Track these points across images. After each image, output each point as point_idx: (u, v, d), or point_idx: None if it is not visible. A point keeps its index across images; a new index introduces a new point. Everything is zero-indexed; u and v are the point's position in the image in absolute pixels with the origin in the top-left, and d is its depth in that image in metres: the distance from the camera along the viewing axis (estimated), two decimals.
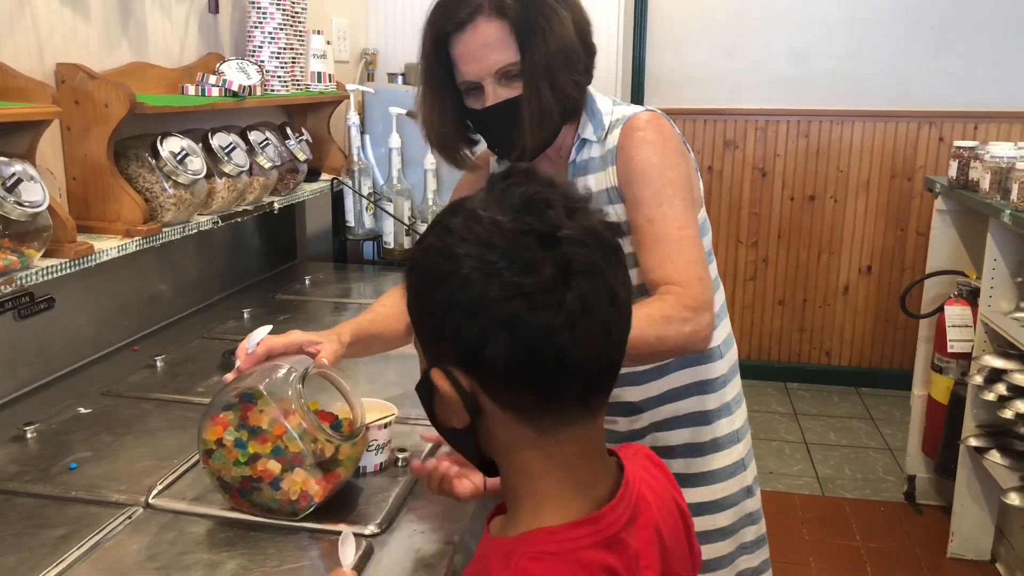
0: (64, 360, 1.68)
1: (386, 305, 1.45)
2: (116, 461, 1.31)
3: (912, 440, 3.31)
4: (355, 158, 2.53)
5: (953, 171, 2.97)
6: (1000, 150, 2.73)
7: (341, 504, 1.19)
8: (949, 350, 2.99)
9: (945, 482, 3.19)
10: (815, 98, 4.16)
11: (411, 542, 1.13)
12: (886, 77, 4.10)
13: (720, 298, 1.50)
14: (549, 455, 0.74)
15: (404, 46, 2.98)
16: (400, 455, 1.32)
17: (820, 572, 2.85)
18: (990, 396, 2.63)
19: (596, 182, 1.39)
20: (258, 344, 1.23)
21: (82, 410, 1.50)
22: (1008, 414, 2.51)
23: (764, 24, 4.11)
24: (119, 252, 1.57)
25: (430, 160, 2.49)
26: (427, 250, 0.75)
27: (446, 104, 1.36)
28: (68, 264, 1.46)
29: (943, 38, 4.02)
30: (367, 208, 2.56)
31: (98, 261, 1.52)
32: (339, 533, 1.13)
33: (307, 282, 2.33)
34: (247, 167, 1.93)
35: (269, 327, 1.28)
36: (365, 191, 2.54)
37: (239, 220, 1.97)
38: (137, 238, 1.62)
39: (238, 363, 1.22)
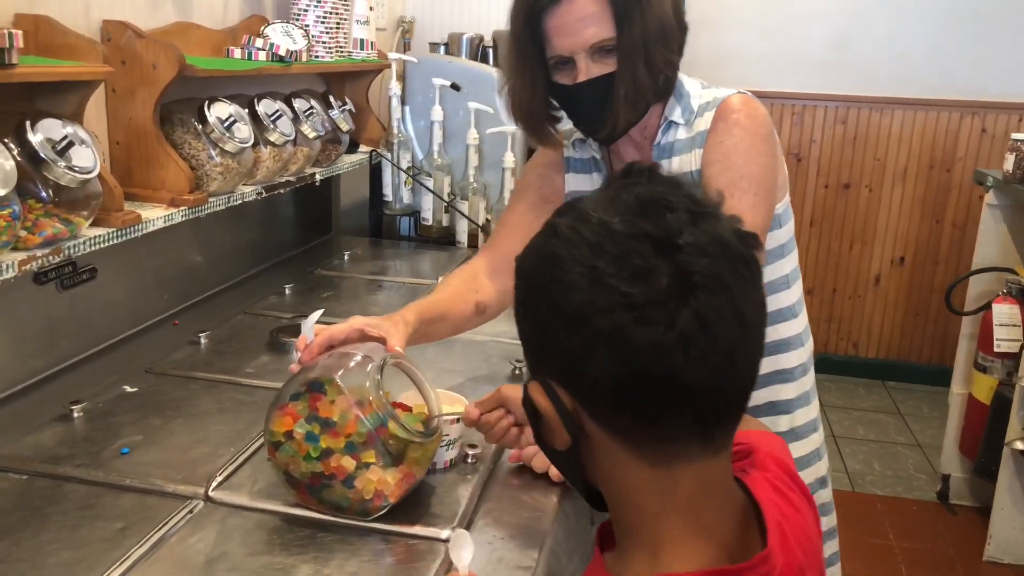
0: (104, 334, 1.60)
1: (452, 284, 1.38)
2: (168, 447, 1.23)
3: (949, 439, 3.24)
4: (395, 130, 2.43)
5: (1009, 165, 2.87)
6: None
7: (412, 504, 1.11)
8: (995, 349, 2.91)
9: (981, 483, 3.13)
10: (854, 84, 4.04)
11: (491, 550, 1.05)
12: (928, 65, 3.99)
13: (799, 289, 1.46)
14: (664, 491, 0.65)
15: (443, 15, 2.87)
16: (471, 451, 1.23)
17: (855, 572, 2.79)
18: None
19: (680, 165, 1.33)
20: (316, 333, 1.15)
21: (128, 388, 1.41)
22: None
23: (804, 6, 3.99)
24: (165, 222, 1.49)
25: (473, 135, 2.40)
26: (531, 253, 0.68)
27: (536, 78, 1.29)
28: (115, 234, 1.37)
29: (987, 27, 3.90)
30: (405, 183, 2.46)
31: (144, 232, 1.43)
32: (414, 537, 1.06)
33: (345, 258, 2.25)
34: (292, 136, 1.84)
35: (319, 312, 1.19)
36: (404, 165, 2.45)
37: (282, 192, 1.87)
38: (183, 208, 1.53)
39: (298, 355, 1.14)
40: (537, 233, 0.69)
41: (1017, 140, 2.86)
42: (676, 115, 1.32)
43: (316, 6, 1.99)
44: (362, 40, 2.22)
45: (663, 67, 1.25)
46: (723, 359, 0.61)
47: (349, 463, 1.05)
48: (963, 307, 3.17)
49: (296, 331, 1.62)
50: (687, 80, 1.35)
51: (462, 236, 2.45)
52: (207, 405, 1.37)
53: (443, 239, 2.48)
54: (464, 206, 2.41)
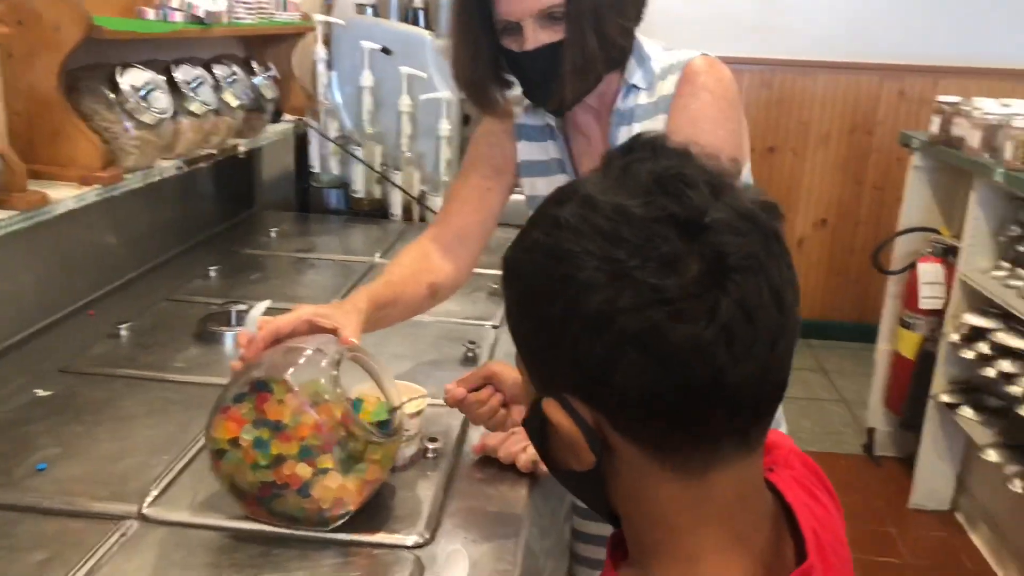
0: (9, 329, 1.44)
1: (403, 265, 1.29)
2: (93, 459, 1.10)
3: (874, 394, 3.31)
4: (321, 98, 2.28)
5: (935, 127, 2.91)
6: (990, 107, 2.67)
7: (372, 509, 1.01)
8: (920, 307, 2.96)
9: (903, 435, 3.22)
10: (779, 48, 4.05)
11: (466, 553, 0.97)
12: (850, 29, 4.02)
13: None
14: (697, 502, 0.58)
15: None
16: (431, 446, 1.15)
17: None
18: (970, 354, 2.61)
19: (642, 131, 1.25)
20: (259, 326, 1.03)
21: (40, 392, 1.27)
22: (991, 372, 2.49)
23: None
24: (78, 203, 1.34)
25: (405, 102, 2.27)
26: (531, 250, 0.58)
27: (479, 43, 1.22)
28: (19, 218, 1.22)
29: None
30: (334, 153, 2.33)
31: (54, 214, 1.28)
32: (379, 546, 0.97)
33: (272, 235, 2.11)
34: (214, 105, 1.69)
35: (266, 303, 1.08)
36: (332, 134, 2.31)
37: (203, 165, 1.73)
38: (97, 186, 1.38)
39: (241, 351, 1.03)
40: (529, 226, 0.60)
41: (943, 102, 2.89)
42: (637, 79, 1.26)
43: None
44: (285, 1, 2.06)
45: (617, 36, 1.17)
46: (765, 349, 0.54)
47: (304, 470, 0.95)
48: (889, 267, 3.22)
49: (228, 319, 1.51)
50: (647, 42, 1.28)
51: (396, 209, 2.33)
52: (133, 407, 1.24)
53: (376, 212, 2.36)
54: (397, 177, 2.29)
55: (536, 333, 0.59)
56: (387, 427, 1.02)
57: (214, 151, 1.77)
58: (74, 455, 1.10)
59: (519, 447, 1.13)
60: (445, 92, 2.27)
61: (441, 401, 1.27)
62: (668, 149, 0.59)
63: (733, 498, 0.58)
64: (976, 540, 2.83)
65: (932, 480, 2.97)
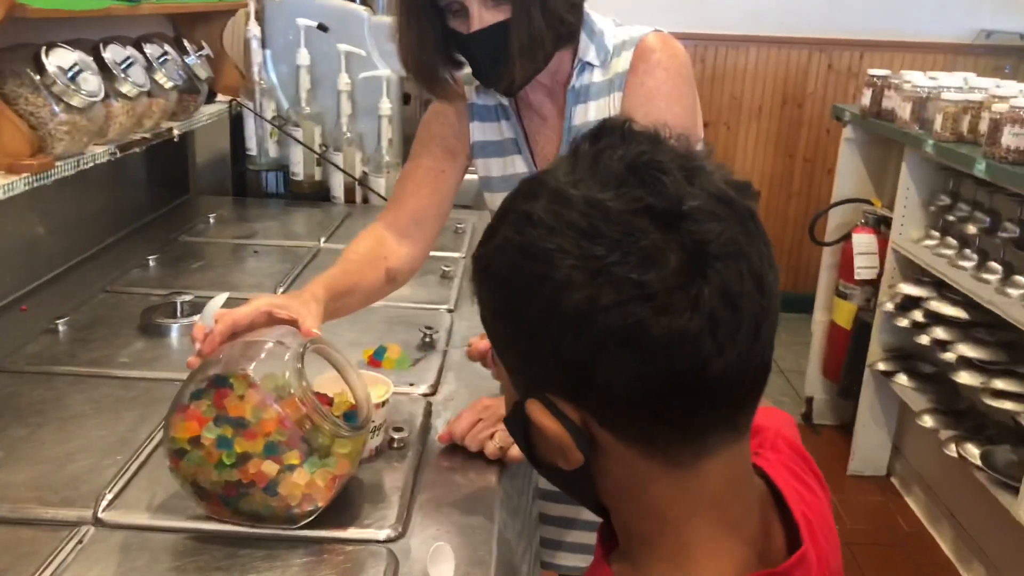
0: None
1: (359, 252, 1.25)
2: (40, 462, 1.04)
3: (812, 363, 3.39)
4: (256, 77, 2.20)
5: (866, 100, 2.97)
6: (919, 80, 2.73)
7: (340, 504, 0.98)
8: (856, 277, 3.04)
9: (840, 403, 3.31)
10: (711, 23, 4.08)
11: (451, 548, 0.95)
12: (780, 3, 4.07)
13: None
14: (688, 492, 0.57)
15: None
16: (396, 436, 1.12)
17: None
18: (904, 322, 2.69)
19: (597, 109, 1.26)
20: (216, 320, 0.99)
21: None
22: (925, 340, 2.56)
23: None
24: (4, 193, 1.26)
25: (344, 80, 2.21)
26: (503, 249, 0.56)
27: (425, 26, 1.19)
28: None
29: None
30: (271, 134, 2.25)
31: None
32: (350, 542, 0.94)
33: (211, 221, 2.03)
34: (146, 87, 1.61)
35: (224, 295, 1.04)
36: (269, 115, 2.23)
37: (138, 151, 1.65)
38: (25, 175, 1.30)
39: (198, 346, 0.98)
40: (497, 223, 0.58)
41: (874, 76, 2.95)
42: (591, 56, 1.24)
43: None
44: None
45: (564, 12, 1.15)
46: (749, 335, 0.53)
47: (271, 468, 0.91)
48: (824, 238, 3.29)
49: (173, 310, 1.45)
50: (598, 18, 1.27)
51: (337, 191, 2.28)
52: (79, 406, 1.18)
53: (316, 195, 2.30)
54: (338, 158, 2.24)
55: (515, 334, 0.57)
56: (353, 419, 0.99)
57: (148, 135, 1.69)
58: (19, 459, 1.04)
59: (486, 434, 1.11)
60: (385, 70, 2.22)
61: (403, 389, 1.26)
62: (637, 134, 0.57)
63: (723, 485, 0.58)
64: (911, 503, 2.93)
65: (869, 447, 3.06)
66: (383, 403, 1.08)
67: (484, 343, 1.08)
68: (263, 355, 0.95)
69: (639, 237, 0.51)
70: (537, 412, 0.57)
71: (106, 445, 1.08)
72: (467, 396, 1.26)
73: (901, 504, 2.95)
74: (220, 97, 2.15)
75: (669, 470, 0.56)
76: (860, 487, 3.02)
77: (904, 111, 2.72)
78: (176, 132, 1.81)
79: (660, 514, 0.58)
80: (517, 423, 0.60)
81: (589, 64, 1.24)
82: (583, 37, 1.24)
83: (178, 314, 1.43)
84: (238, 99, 2.17)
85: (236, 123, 2.26)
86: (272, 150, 2.28)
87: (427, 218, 1.33)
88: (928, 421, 2.61)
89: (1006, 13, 4.00)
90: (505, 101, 1.30)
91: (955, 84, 2.67)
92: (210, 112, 2.02)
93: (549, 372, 0.55)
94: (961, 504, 2.65)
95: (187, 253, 1.83)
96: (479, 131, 1.34)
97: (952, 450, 2.42)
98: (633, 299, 0.50)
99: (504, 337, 0.59)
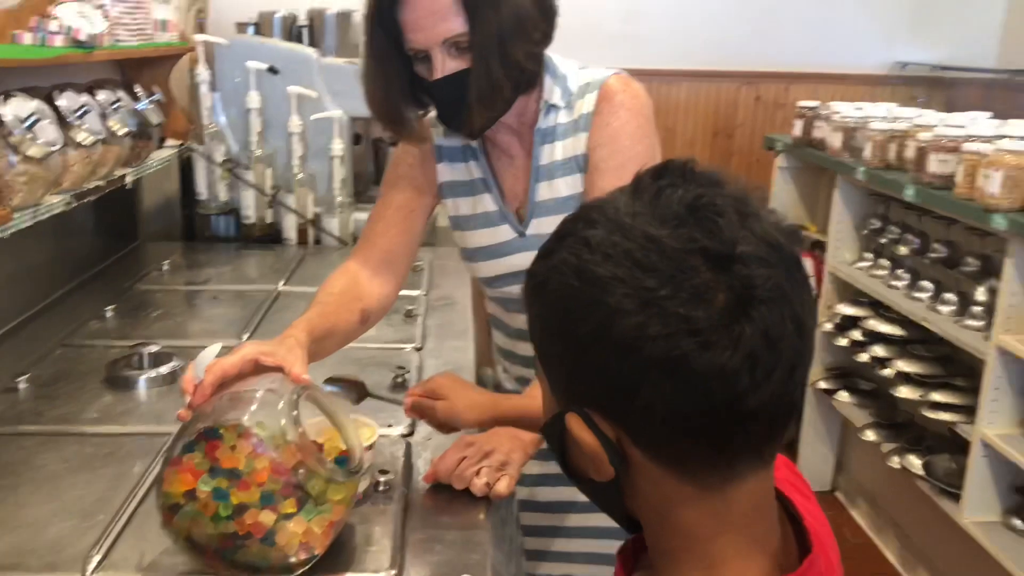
0: None
1: (333, 293, 1.26)
2: (18, 527, 1.02)
3: None
4: (206, 121, 2.19)
5: (798, 130, 3.09)
6: (846, 110, 2.86)
7: (332, 551, 0.98)
8: None
9: None
10: (644, 57, 4.19)
11: None
12: (708, 38, 4.21)
13: None
14: (716, 514, 0.60)
15: None
16: (382, 478, 1.12)
17: None
18: (843, 341, 2.79)
19: (563, 150, 1.30)
20: (206, 370, 0.98)
21: None
22: (864, 357, 2.67)
23: None
24: None
25: (295, 122, 2.22)
26: (559, 269, 0.59)
27: (391, 72, 1.22)
28: None
29: (759, 2, 4.18)
30: (221, 178, 2.24)
31: None
32: None
33: (164, 268, 2.01)
34: (102, 135, 1.60)
35: (218, 345, 1.03)
36: (219, 158, 2.22)
37: (93, 199, 1.63)
38: None
39: (187, 398, 0.98)
40: (555, 243, 0.61)
41: (804, 107, 3.08)
42: (556, 98, 1.29)
43: None
44: (164, 21, 1.97)
45: (523, 61, 1.19)
46: (785, 374, 0.56)
47: (268, 517, 0.91)
48: None
49: (139, 362, 1.42)
50: (561, 61, 1.31)
51: (290, 233, 2.27)
52: (52, 466, 1.15)
53: (268, 237, 2.29)
54: (290, 200, 2.23)
55: (562, 350, 0.60)
56: (344, 464, 1.00)
57: (102, 183, 1.67)
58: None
59: (472, 471, 1.13)
60: (336, 111, 2.23)
61: (381, 431, 1.26)
62: (698, 174, 0.60)
63: (750, 508, 0.61)
64: (856, 515, 3.03)
65: (813, 463, 3.15)
66: (370, 446, 1.09)
67: (416, 398, 1.12)
68: (255, 404, 0.95)
69: (691, 275, 0.54)
70: (575, 424, 0.59)
71: (86, 505, 1.06)
72: (445, 435, 1.27)
73: (846, 517, 3.03)
74: (169, 142, 2.13)
75: (698, 492, 0.59)
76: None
77: (835, 140, 2.84)
78: (129, 179, 1.79)
79: (689, 531, 0.61)
80: (554, 431, 0.63)
81: (554, 106, 1.28)
82: (547, 80, 1.28)
83: (144, 365, 1.41)
84: (188, 143, 2.15)
85: (185, 167, 2.24)
86: (223, 193, 2.26)
87: (398, 257, 1.35)
88: (870, 435, 2.70)
89: (919, 46, 4.22)
90: (473, 142, 1.33)
91: (880, 114, 2.81)
92: (161, 157, 2.00)
93: (592, 389, 0.58)
94: (905, 514, 2.75)
95: (144, 302, 1.80)
96: (447, 172, 1.36)
97: (895, 462, 2.51)
98: (679, 332, 0.53)
99: (551, 351, 0.62)
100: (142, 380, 1.39)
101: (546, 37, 1.23)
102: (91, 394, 1.36)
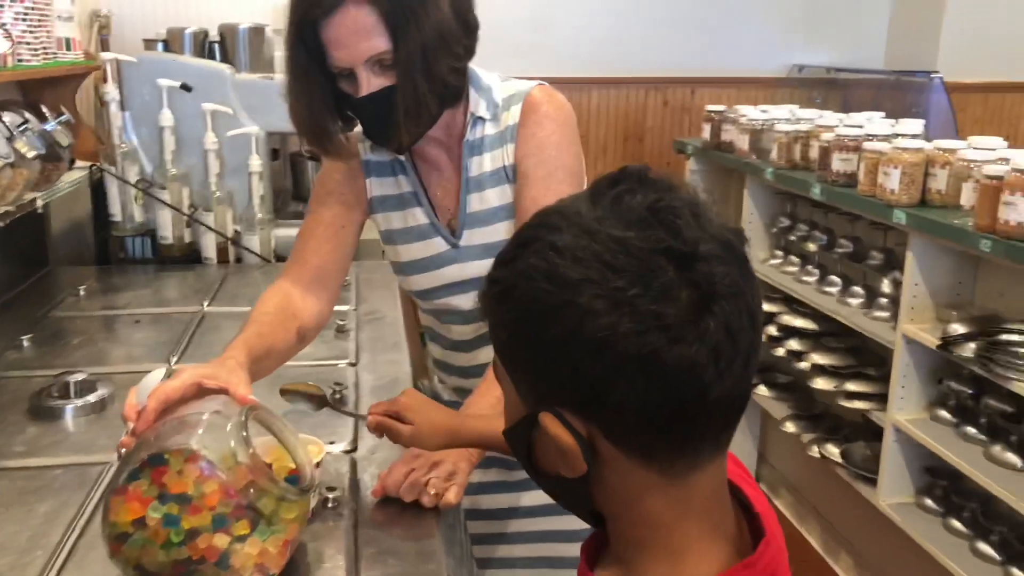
0: None
1: (268, 312, 1.25)
2: None
3: None
4: (117, 141, 2.13)
5: (707, 133, 3.19)
6: (752, 113, 2.97)
7: (287, 570, 0.97)
8: None
9: None
10: (553, 67, 4.26)
11: None
12: (616, 45, 4.31)
13: None
14: (680, 501, 0.64)
15: (147, 7, 2.57)
16: (330, 495, 1.12)
17: None
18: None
19: (492, 161, 1.32)
20: (149, 396, 0.97)
21: None
22: (781, 352, 2.77)
23: None
24: None
25: (211, 139, 2.17)
26: (528, 274, 0.61)
27: (315, 90, 1.22)
28: None
29: (663, 10, 4.31)
30: (136, 198, 2.18)
31: None
32: None
33: (81, 293, 1.94)
34: (10, 158, 1.54)
35: (161, 371, 1.01)
36: (132, 178, 2.16)
37: (2, 224, 1.57)
38: None
39: (131, 426, 0.95)
40: (517, 248, 0.62)
41: (712, 111, 3.18)
42: (482, 110, 1.31)
43: (14, 1, 1.67)
44: (68, 39, 1.91)
45: (447, 76, 1.20)
46: (742, 365, 0.60)
47: (222, 540, 0.90)
48: None
49: (65, 391, 1.38)
50: (485, 74, 1.33)
51: (209, 252, 2.22)
52: None
53: (187, 258, 2.23)
54: (209, 218, 2.19)
55: (533, 353, 0.61)
56: (295, 483, 0.99)
57: (11, 208, 1.61)
58: None
59: (421, 482, 1.13)
60: (252, 127, 2.20)
61: (328, 449, 1.25)
62: (653, 180, 0.63)
63: (710, 494, 0.65)
64: (780, 505, 3.14)
65: (737, 455, 3.16)
66: (318, 464, 1.08)
67: (380, 419, 1.11)
68: (201, 428, 0.94)
69: (658, 274, 0.57)
70: (551, 423, 0.61)
71: (23, 542, 1.02)
72: (388, 448, 1.27)
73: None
74: (79, 163, 2.06)
75: (664, 480, 0.62)
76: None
77: (742, 142, 2.95)
78: (40, 203, 1.73)
79: (654, 519, 0.64)
80: (521, 434, 0.65)
81: (481, 118, 1.31)
82: (472, 93, 1.30)
83: (72, 394, 1.36)
84: (99, 164, 2.09)
85: (97, 189, 2.17)
86: (138, 214, 2.20)
87: (330, 274, 1.35)
88: (790, 427, 2.81)
89: (815, 49, 4.42)
90: (401, 156, 1.34)
91: (784, 116, 2.93)
92: (72, 179, 1.94)
93: (565, 389, 0.60)
94: (826, 501, 2.86)
95: (62, 329, 1.74)
96: (377, 186, 1.36)
97: (814, 451, 2.62)
98: (651, 329, 0.56)
99: (519, 355, 0.63)
100: (69, 409, 1.34)
101: (469, 52, 1.25)
102: (15, 427, 1.30)
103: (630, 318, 0.56)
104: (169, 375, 0.99)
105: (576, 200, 0.63)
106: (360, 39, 1.14)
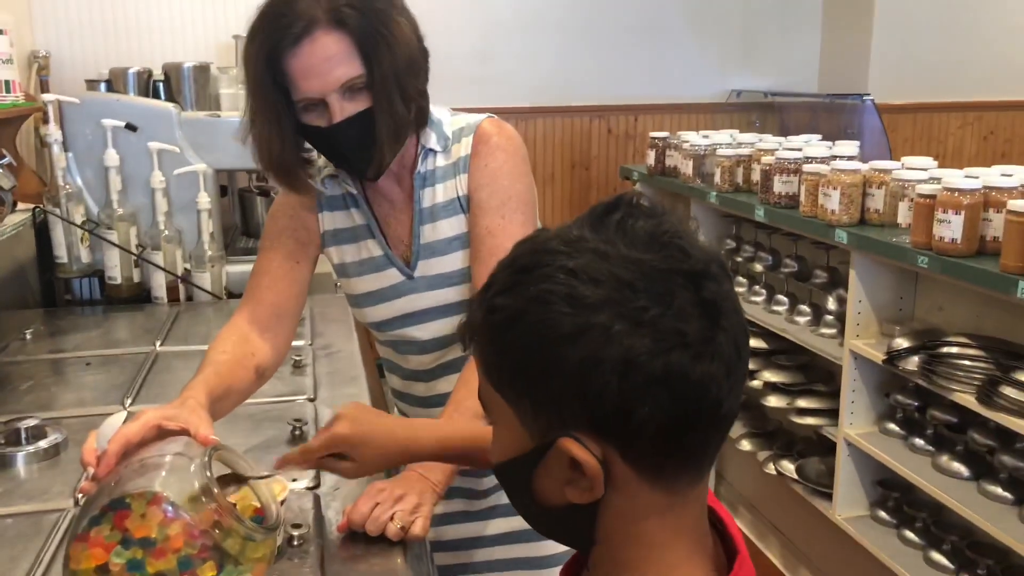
0: None
1: (225, 352, 1.24)
2: None
3: None
4: (61, 182, 2.09)
5: (651, 159, 3.26)
6: (695, 139, 3.04)
7: None
8: None
9: None
10: (498, 96, 4.31)
11: None
12: (558, 75, 4.38)
13: None
14: (676, 517, 0.65)
15: (87, 47, 2.55)
16: (295, 532, 1.11)
17: None
18: None
19: (444, 192, 1.34)
20: (109, 441, 0.95)
21: None
22: None
23: (449, 22, 4.17)
24: None
25: (158, 178, 2.15)
26: (543, 299, 0.61)
27: (284, 125, 1.22)
28: None
29: (604, 41, 4.40)
30: (82, 240, 2.14)
31: None
32: None
33: (27, 337, 1.89)
34: None
35: (122, 414, 1.00)
36: (78, 219, 2.12)
37: None
38: None
39: (90, 471, 0.94)
40: (519, 275, 0.63)
41: (656, 138, 3.25)
42: (432, 143, 1.33)
43: None
44: (7, 81, 1.88)
45: (416, 97, 1.24)
46: (743, 376, 0.64)
47: None
48: None
49: (16, 437, 1.35)
50: (434, 108, 1.36)
51: (159, 291, 2.19)
52: None
53: (136, 298, 2.20)
54: (158, 257, 2.16)
55: (547, 379, 0.61)
56: (260, 522, 0.98)
57: None
58: None
59: (386, 516, 1.13)
60: (200, 164, 2.18)
61: (291, 486, 1.24)
62: (644, 207, 0.65)
63: (699, 512, 0.67)
64: (739, 523, 3.17)
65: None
66: (282, 501, 1.07)
67: (318, 462, 1.09)
68: (163, 470, 0.93)
69: (677, 293, 0.59)
70: (574, 448, 0.61)
71: None
72: (353, 483, 1.26)
73: None
74: (20, 206, 2.02)
75: (666, 497, 0.64)
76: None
77: (686, 168, 3.01)
78: None
79: (649, 539, 0.65)
80: (524, 464, 0.65)
81: (432, 150, 1.33)
82: (425, 126, 1.32)
83: (23, 441, 1.32)
84: (41, 206, 2.05)
85: (41, 231, 2.12)
86: (84, 256, 2.16)
87: (286, 311, 1.35)
88: (746, 445, 2.85)
89: (751, 75, 4.55)
90: (353, 190, 1.35)
91: (725, 140, 3.00)
92: (14, 222, 1.90)
93: (586, 412, 0.60)
94: (783, 517, 2.91)
95: (10, 375, 1.69)
96: (330, 220, 1.37)
97: (771, 468, 2.66)
98: (675, 347, 0.58)
99: (531, 383, 0.62)
100: (20, 456, 1.31)
101: (427, 75, 1.27)
102: None
103: (653, 337, 0.58)
104: (129, 418, 0.97)
105: (572, 227, 0.64)
106: (333, 66, 1.16)
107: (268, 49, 1.16)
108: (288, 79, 1.18)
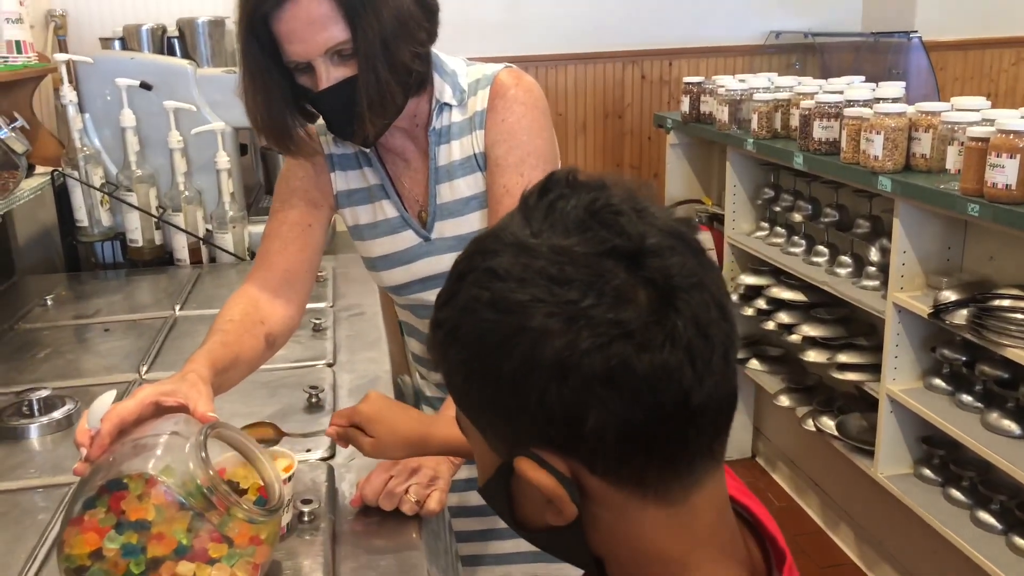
0: None
1: (233, 320, 1.19)
2: None
3: None
4: (78, 144, 2.06)
5: (686, 106, 3.14)
6: (730, 83, 2.91)
7: None
8: None
9: None
10: (527, 45, 4.19)
11: None
12: (589, 20, 4.24)
13: None
14: (684, 527, 0.58)
15: (103, 5, 2.49)
16: (305, 508, 1.07)
17: None
18: (749, 311, 2.85)
19: (460, 149, 1.27)
20: (102, 420, 0.91)
21: None
22: (771, 325, 2.73)
23: None
24: None
25: (176, 138, 2.11)
26: (470, 308, 0.55)
27: (272, 87, 1.17)
28: None
29: None
30: (102, 202, 2.11)
31: None
32: None
33: (48, 303, 1.88)
34: None
35: (112, 393, 0.96)
36: (97, 182, 2.09)
37: None
38: None
39: (84, 451, 0.90)
40: (455, 283, 0.57)
41: (690, 83, 3.12)
42: (447, 96, 1.26)
43: None
44: (18, 42, 1.84)
45: (410, 63, 1.15)
46: (721, 361, 0.54)
47: (186, 569, 0.85)
48: None
49: (29, 409, 1.33)
50: (448, 59, 1.28)
51: (181, 253, 2.16)
52: None
53: (158, 260, 2.17)
54: (178, 219, 2.13)
55: (494, 392, 0.55)
56: (264, 502, 0.94)
57: None
58: None
59: (401, 490, 1.09)
60: (218, 123, 2.13)
61: (300, 456, 1.21)
62: (583, 183, 0.57)
63: (714, 515, 0.59)
64: (778, 479, 3.11)
65: (733, 430, 3.06)
66: (289, 478, 1.03)
67: (342, 429, 1.08)
68: (160, 449, 0.89)
69: (609, 278, 0.52)
70: (528, 468, 0.55)
71: None
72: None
73: (769, 481, 3.12)
74: (39, 169, 1.99)
75: (663, 508, 0.57)
76: (729, 471, 3.18)
77: (722, 114, 2.89)
78: None
79: (661, 553, 0.58)
80: (497, 488, 0.59)
81: (447, 104, 1.26)
82: (437, 79, 1.25)
83: (35, 412, 1.31)
84: (60, 169, 2.02)
85: (61, 194, 2.10)
86: (105, 219, 2.14)
87: (299, 275, 1.30)
88: (784, 400, 2.78)
89: (791, 14, 4.36)
90: (366, 148, 1.28)
91: (762, 85, 2.87)
92: (32, 186, 1.87)
93: (536, 426, 0.54)
94: (823, 473, 2.84)
95: (29, 342, 1.68)
96: (342, 180, 1.31)
97: (809, 424, 2.59)
98: (614, 339, 0.51)
99: (480, 398, 0.57)
100: (33, 428, 1.29)
101: (431, 36, 1.20)
102: None
103: (589, 331, 0.51)
104: (121, 397, 0.94)
105: (508, 220, 0.57)
106: (316, 31, 1.09)
107: (253, 10, 1.11)
108: (277, 41, 1.12)
